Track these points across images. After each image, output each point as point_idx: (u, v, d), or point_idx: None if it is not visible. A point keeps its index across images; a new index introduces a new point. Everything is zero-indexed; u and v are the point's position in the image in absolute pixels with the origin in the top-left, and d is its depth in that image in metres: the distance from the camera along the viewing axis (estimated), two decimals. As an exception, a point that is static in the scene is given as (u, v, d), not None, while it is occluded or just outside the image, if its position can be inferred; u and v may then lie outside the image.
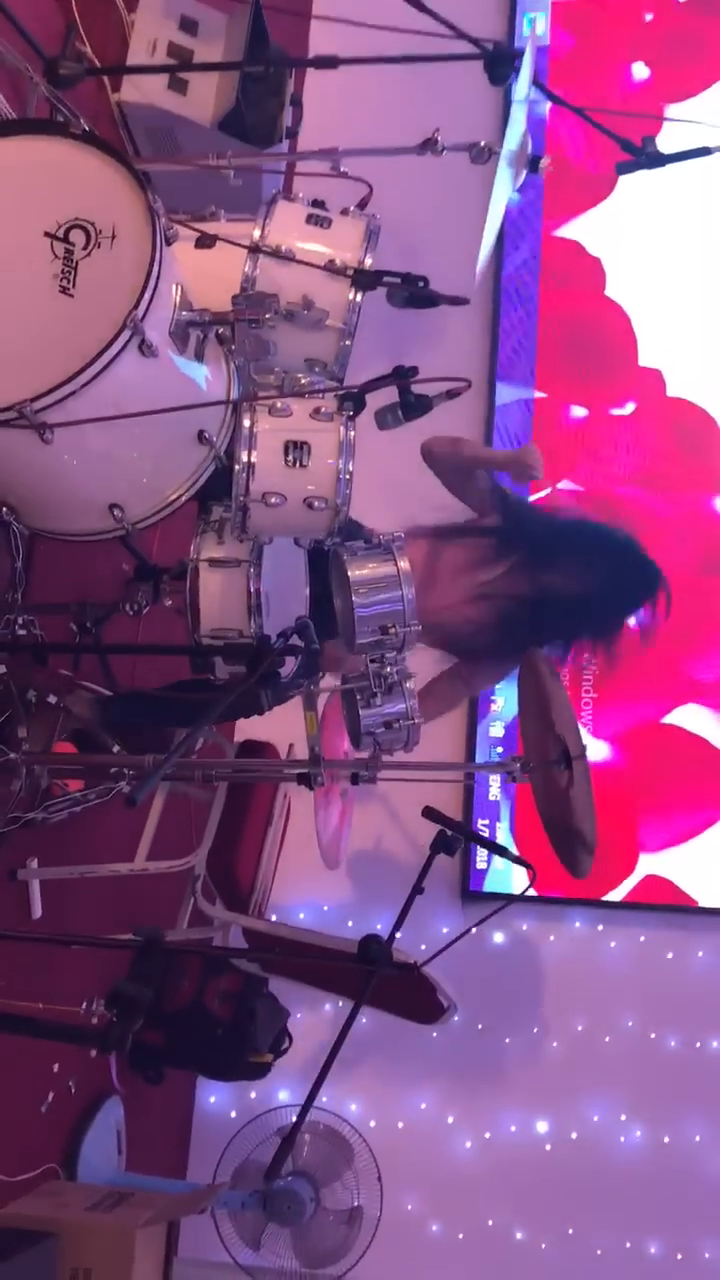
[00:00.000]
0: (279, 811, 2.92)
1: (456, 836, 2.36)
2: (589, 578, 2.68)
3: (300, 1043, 3.57)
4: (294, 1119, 3.60)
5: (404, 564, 2.16)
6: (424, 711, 2.33)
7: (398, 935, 2.23)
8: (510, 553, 2.72)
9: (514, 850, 4.01)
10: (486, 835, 4.08)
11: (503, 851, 2.41)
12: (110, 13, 3.29)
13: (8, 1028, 1.46)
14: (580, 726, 2.29)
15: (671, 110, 4.68)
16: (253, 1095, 3.98)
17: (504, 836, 4.11)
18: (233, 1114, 3.95)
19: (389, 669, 2.18)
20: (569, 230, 4.64)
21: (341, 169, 2.52)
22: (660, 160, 2.44)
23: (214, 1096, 4.03)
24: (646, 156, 2.44)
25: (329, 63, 2.68)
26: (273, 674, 2.10)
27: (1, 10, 2.71)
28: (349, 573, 2.16)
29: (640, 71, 4.80)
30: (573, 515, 2.88)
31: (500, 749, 4.17)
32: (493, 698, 4.23)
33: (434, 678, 2.71)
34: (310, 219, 2.29)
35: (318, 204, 2.39)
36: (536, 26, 4.84)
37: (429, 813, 2.38)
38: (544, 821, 2.30)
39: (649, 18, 4.85)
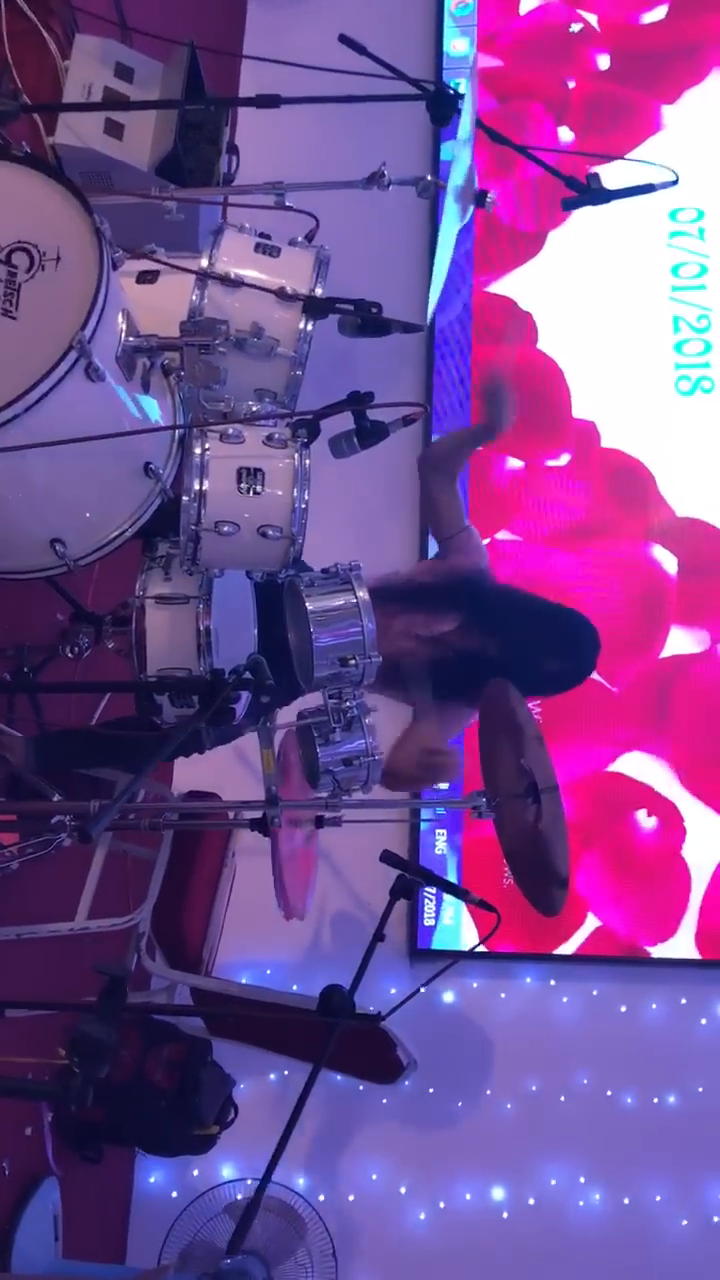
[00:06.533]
0: (229, 864, 2.80)
1: (416, 880, 2.28)
2: (533, 653, 2.66)
3: (244, 1113, 3.42)
4: (240, 1195, 3.47)
5: (363, 593, 2.09)
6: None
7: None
8: (456, 612, 2.69)
9: (465, 915, 3.95)
10: (434, 891, 3.98)
11: (466, 895, 2.33)
12: (44, 58, 3.26)
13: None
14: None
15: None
16: (195, 1173, 3.78)
17: (452, 891, 4.02)
18: (174, 1194, 3.75)
19: (348, 703, 2.10)
20: (501, 286, 4.70)
21: (286, 203, 2.49)
22: (605, 196, 2.46)
23: (154, 1175, 3.82)
24: (592, 192, 2.45)
25: (271, 101, 2.66)
26: (227, 711, 2.00)
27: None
28: (306, 604, 2.09)
29: (565, 135, 4.91)
30: (522, 592, 2.89)
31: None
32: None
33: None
34: (259, 248, 2.25)
35: (264, 236, 2.36)
36: (460, 90, 4.94)
37: (387, 857, 2.29)
38: (509, 857, 2.22)
39: (571, 84, 4.98)
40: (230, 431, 2.08)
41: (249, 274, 2.20)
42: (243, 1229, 1.78)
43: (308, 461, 2.09)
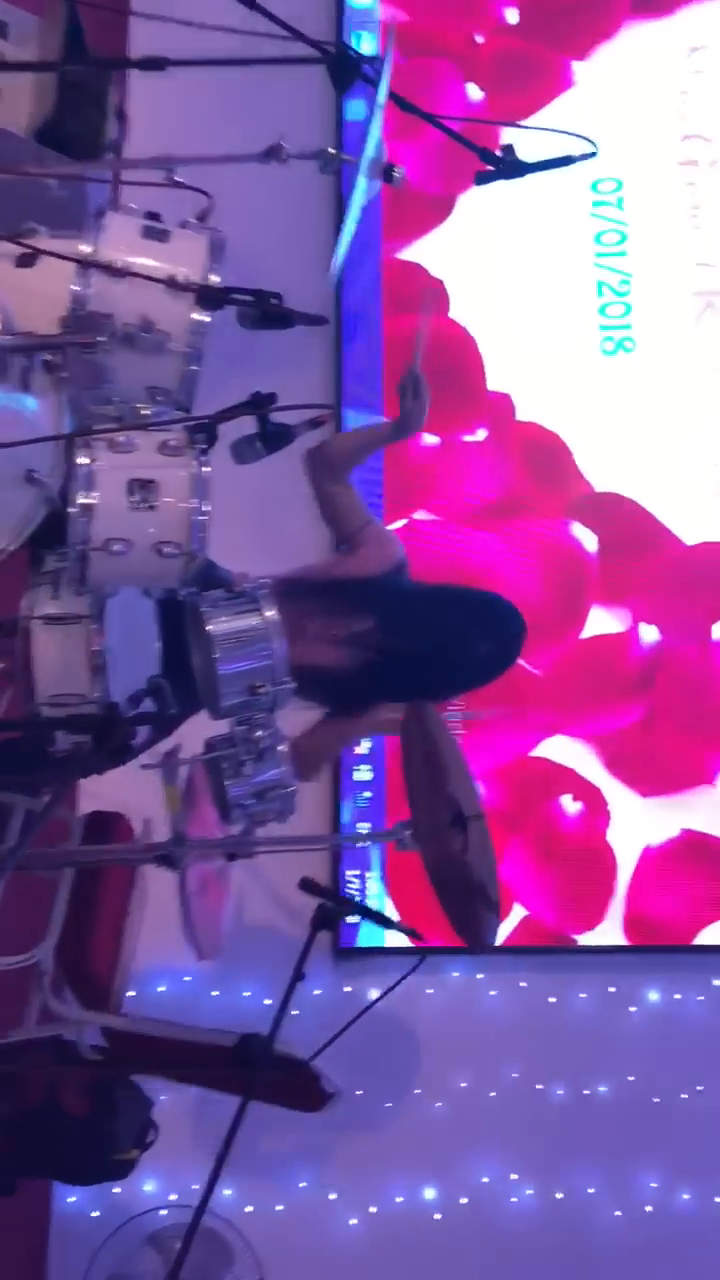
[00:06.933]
0: (139, 885, 2.63)
1: (338, 910, 2.16)
2: (460, 646, 2.51)
3: (165, 1126, 3.27)
4: (165, 1211, 3.34)
5: (270, 613, 1.92)
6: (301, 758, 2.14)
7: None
8: (377, 609, 2.53)
9: (390, 907, 3.84)
10: (358, 887, 3.87)
11: (388, 923, 2.23)
12: None
13: None
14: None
15: (505, 135, 4.60)
16: (116, 1190, 3.64)
17: (376, 887, 3.89)
18: (95, 1214, 3.60)
19: (259, 732, 1.94)
20: (410, 253, 4.51)
21: (176, 178, 2.28)
22: (521, 170, 2.29)
23: (73, 1196, 3.67)
24: (507, 166, 2.28)
25: (156, 64, 2.44)
26: (126, 749, 1.83)
27: None
28: (208, 627, 1.91)
29: (474, 93, 4.71)
30: (445, 586, 2.73)
31: (369, 794, 3.96)
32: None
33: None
34: (147, 231, 2.05)
35: (153, 216, 2.15)
36: (364, 45, 4.71)
37: (306, 885, 2.16)
38: (436, 887, 2.09)
39: (480, 39, 4.78)
40: (120, 439, 1.89)
41: (136, 261, 2.01)
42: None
43: (206, 469, 1.91)
